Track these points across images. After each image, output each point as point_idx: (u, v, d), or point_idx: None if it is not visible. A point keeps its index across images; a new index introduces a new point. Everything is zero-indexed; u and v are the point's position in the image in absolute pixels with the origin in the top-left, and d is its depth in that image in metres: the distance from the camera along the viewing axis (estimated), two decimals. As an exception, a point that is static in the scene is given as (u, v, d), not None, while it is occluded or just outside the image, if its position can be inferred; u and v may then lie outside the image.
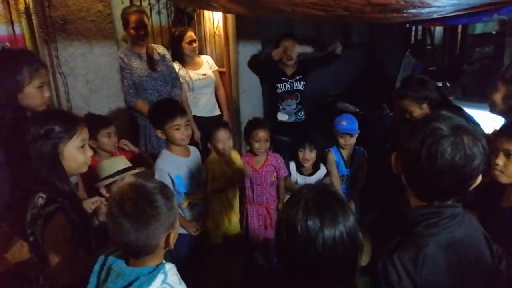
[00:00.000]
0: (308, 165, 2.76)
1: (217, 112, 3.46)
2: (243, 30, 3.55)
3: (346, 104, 4.47)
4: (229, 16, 3.51)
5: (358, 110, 4.36)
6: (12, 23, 2.63)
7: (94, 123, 2.30)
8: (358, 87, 4.84)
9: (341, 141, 2.77)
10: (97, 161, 2.26)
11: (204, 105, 3.33)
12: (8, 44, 2.75)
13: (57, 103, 2.78)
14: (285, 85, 3.26)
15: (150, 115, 2.30)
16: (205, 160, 2.50)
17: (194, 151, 2.37)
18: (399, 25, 4.92)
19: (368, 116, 3.83)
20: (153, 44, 3.12)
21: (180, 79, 3.20)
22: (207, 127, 3.11)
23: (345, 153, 2.85)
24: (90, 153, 1.53)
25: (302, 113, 3.38)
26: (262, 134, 2.55)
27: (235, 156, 2.56)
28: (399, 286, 1.03)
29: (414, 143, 1.05)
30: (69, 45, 2.73)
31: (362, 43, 5.14)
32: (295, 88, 3.28)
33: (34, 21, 2.68)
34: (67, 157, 1.44)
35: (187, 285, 1.23)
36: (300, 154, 2.74)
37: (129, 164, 2.06)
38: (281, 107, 3.31)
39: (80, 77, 2.80)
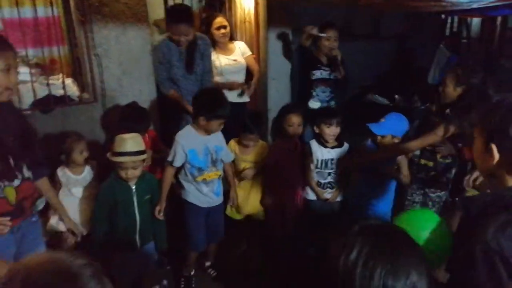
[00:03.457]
0: (331, 140, 2.65)
1: (247, 99, 3.47)
2: (274, 17, 3.53)
3: (376, 96, 4.40)
4: (261, 2, 3.50)
5: (388, 102, 4.29)
6: (51, 4, 2.71)
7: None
8: (389, 79, 4.75)
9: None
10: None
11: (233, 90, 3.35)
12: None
13: (91, 83, 2.87)
14: (321, 72, 3.26)
15: (198, 103, 2.29)
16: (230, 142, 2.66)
17: (217, 133, 2.39)
18: (434, 16, 4.78)
19: (398, 108, 3.75)
20: (197, 33, 3.01)
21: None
22: (235, 112, 3.13)
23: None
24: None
25: (334, 103, 3.36)
26: (295, 118, 2.65)
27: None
28: None
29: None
30: (104, 27, 2.79)
31: (393, 34, 5.02)
32: (331, 77, 3.26)
33: (72, 3, 2.76)
34: None
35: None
36: (326, 130, 2.59)
37: (142, 147, 2.11)
38: (314, 93, 3.29)
39: (113, 58, 2.87)
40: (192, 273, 2.58)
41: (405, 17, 4.80)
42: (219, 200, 2.48)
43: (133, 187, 2.15)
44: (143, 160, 2.16)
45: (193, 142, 2.27)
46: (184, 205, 2.41)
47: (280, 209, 2.78)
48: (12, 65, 1.51)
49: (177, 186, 2.45)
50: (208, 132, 2.29)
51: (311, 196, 2.73)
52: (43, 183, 1.92)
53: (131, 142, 2.08)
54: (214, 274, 2.66)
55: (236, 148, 2.79)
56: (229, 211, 2.76)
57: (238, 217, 2.86)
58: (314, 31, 3.19)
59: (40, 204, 1.83)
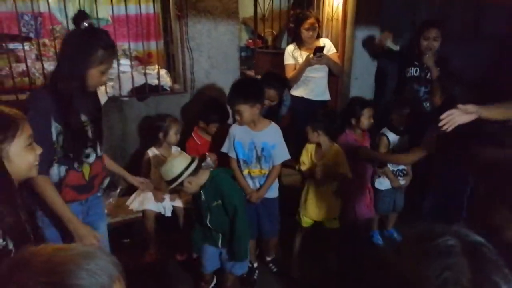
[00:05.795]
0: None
1: (327, 97, 3.44)
2: (363, 15, 3.44)
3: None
4: (350, 0, 3.44)
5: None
6: (153, 2, 2.96)
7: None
8: (484, 85, 4.35)
9: None
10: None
11: (313, 88, 3.34)
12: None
13: (182, 75, 3.07)
14: (416, 70, 3.11)
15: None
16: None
17: (272, 128, 2.34)
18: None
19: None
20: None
21: (293, 60, 3.27)
22: (311, 110, 3.08)
23: None
24: (39, 150, 1.27)
25: (428, 104, 3.15)
26: (368, 111, 2.68)
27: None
28: None
29: None
30: (198, 22, 2.96)
31: (496, 34, 4.58)
32: (427, 77, 3.09)
33: (171, -1, 2.99)
34: (15, 160, 1.18)
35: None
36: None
37: (188, 161, 1.97)
38: (407, 92, 3.15)
39: (204, 52, 3.03)
40: (255, 265, 2.61)
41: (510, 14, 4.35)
42: (269, 194, 2.44)
43: (202, 194, 2.06)
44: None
45: (241, 135, 2.33)
46: None
47: (352, 212, 2.73)
48: (108, 68, 1.68)
49: None
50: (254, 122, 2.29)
51: (384, 185, 2.84)
52: (105, 157, 1.97)
53: (177, 161, 1.97)
54: (275, 270, 2.67)
55: (313, 151, 2.60)
56: (299, 217, 2.64)
57: (305, 223, 2.64)
58: (388, 42, 3.16)
59: (106, 182, 1.97)
